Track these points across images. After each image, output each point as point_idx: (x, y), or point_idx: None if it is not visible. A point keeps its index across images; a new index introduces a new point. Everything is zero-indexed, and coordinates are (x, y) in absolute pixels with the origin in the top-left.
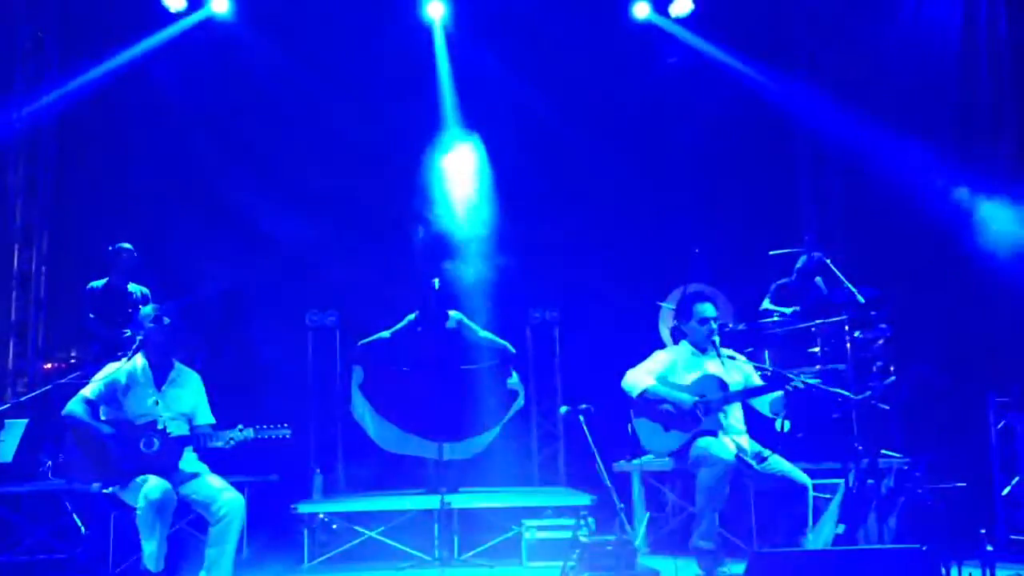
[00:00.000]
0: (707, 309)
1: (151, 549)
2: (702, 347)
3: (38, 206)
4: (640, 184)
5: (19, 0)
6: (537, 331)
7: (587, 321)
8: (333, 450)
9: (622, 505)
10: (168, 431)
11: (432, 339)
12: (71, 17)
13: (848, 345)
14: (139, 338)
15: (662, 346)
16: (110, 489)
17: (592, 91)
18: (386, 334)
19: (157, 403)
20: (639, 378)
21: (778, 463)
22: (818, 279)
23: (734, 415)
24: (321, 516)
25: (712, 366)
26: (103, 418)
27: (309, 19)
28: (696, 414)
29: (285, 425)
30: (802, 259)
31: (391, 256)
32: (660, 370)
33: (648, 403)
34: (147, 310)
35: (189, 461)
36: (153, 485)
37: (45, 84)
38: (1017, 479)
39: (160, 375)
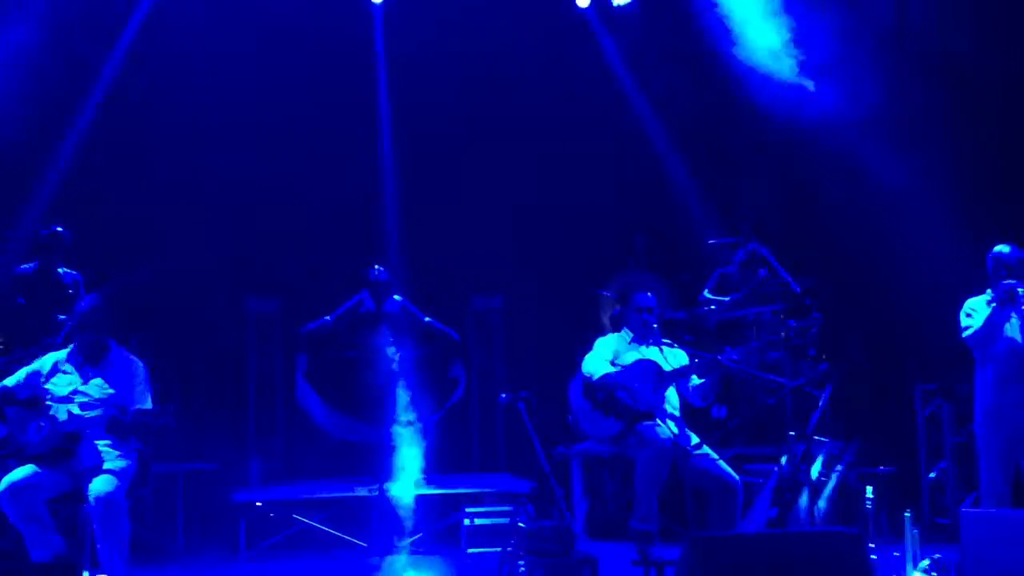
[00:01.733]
0: (645, 299)
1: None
2: (641, 336)
3: None
4: (583, 169)
5: None
6: (479, 318)
7: (529, 308)
8: (273, 437)
9: (561, 491)
10: (58, 417)
11: (375, 324)
12: None
13: (783, 333)
14: (71, 324)
15: (603, 334)
16: None
17: (534, 73)
18: (328, 318)
19: (76, 390)
20: (600, 365)
21: (709, 460)
22: (759, 269)
23: (670, 402)
24: (258, 505)
25: (651, 355)
26: (23, 407)
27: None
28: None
29: (168, 407)
30: (740, 249)
31: (334, 241)
32: (609, 356)
33: (606, 386)
34: (83, 298)
35: (106, 452)
36: (13, 473)
37: None
38: (943, 464)
39: (90, 361)
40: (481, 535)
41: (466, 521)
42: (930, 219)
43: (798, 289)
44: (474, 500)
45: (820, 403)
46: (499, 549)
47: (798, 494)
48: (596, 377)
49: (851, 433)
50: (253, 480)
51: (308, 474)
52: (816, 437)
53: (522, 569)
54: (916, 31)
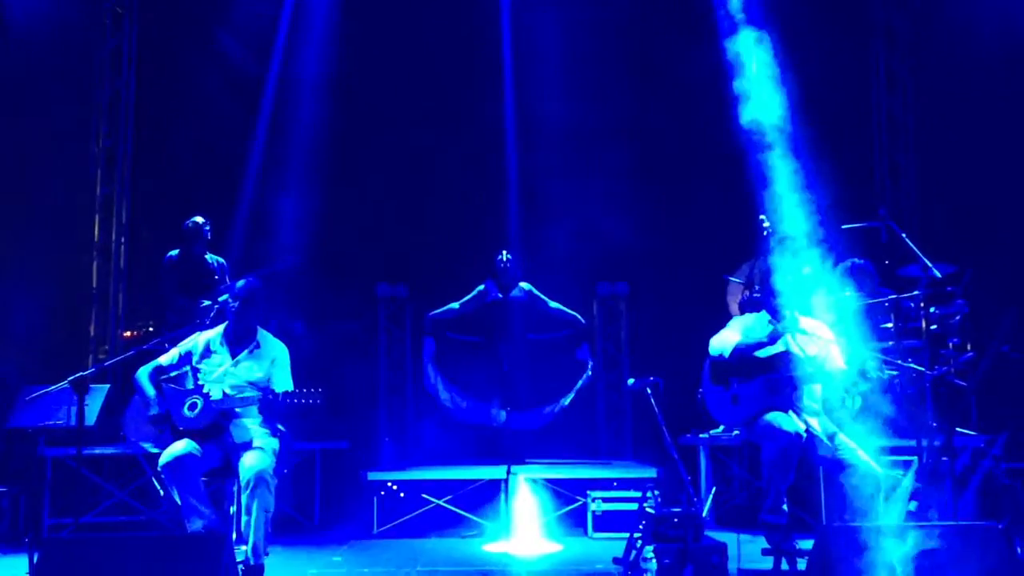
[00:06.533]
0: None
1: (184, 507)
2: (778, 318)
3: (117, 177)
4: (708, 155)
5: None
6: (604, 304)
7: (655, 295)
8: (402, 420)
9: (689, 477)
10: (211, 396)
11: (502, 310)
12: None
13: (923, 321)
14: (216, 308)
15: (730, 320)
16: (156, 450)
17: (660, 60)
18: (455, 305)
19: (226, 370)
20: (727, 337)
21: (846, 451)
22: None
23: (808, 393)
24: (390, 484)
25: (790, 340)
26: (173, 385)
27: None
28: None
29: (319, 390)
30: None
31: (461, 229)
32: (739, 335)
33: (742, 362)
34: (238, 283)
35: (255, 430)
36: (173, 447)
37: (123, 59)
38: None
39: (239, 345)
40: (607, 520)
41: (592, 506)
42: None
43: (939, 275)
44: (599, 485)
45: (965, 394)
46: (625, 534)
47: (940, 488)
48: (728, 354)
49: (999, 426)
50: (384, 460)
51: (436, 456)
52: (959, 429)
53: (650, 555)
54: None
